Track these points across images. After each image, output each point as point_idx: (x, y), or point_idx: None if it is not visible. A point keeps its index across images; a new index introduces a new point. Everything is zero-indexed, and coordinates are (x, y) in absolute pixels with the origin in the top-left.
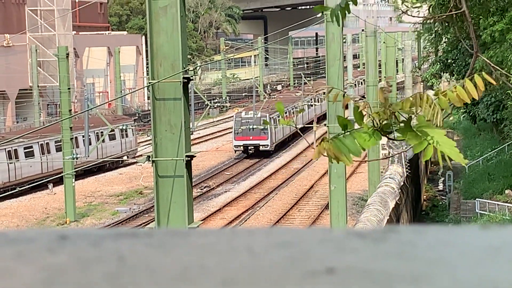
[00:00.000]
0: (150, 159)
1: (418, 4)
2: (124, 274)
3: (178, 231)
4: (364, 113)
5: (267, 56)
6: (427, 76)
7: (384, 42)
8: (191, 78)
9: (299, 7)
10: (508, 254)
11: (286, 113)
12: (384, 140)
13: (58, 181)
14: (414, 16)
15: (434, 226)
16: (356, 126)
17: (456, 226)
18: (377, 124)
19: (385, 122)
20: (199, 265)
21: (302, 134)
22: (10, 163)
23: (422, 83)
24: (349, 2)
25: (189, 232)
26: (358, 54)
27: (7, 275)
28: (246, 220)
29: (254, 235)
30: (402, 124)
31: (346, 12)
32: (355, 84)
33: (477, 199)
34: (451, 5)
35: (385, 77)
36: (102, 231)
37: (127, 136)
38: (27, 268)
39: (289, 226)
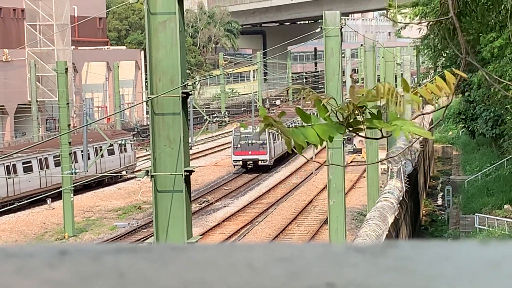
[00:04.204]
0: (149, 174)
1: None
2: None
3: (178, 246)
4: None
5: (266, 70)
6: None
7: (383, 57)
8: (190, 93)
9: (298, 22)
10: (508, 269)
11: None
12: (383, 155)
13: (57, 196)
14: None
15: (433, 241)
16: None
17: (455, 241)
18: (343, 118)
19: (354, 119)
20: (199, 281)
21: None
22: (8, 178)
23: (421, 98)
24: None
25: (189, 247)
26: (357, 69)
27: None
28: (245, 235)
29: (254, 250)
30: (368, 117)
31: (345, 26)
32: None
33: (476, 214)
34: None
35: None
36: (102, 246)
37: (125, 151)
38: (27, 283)
39: (288, 241)
